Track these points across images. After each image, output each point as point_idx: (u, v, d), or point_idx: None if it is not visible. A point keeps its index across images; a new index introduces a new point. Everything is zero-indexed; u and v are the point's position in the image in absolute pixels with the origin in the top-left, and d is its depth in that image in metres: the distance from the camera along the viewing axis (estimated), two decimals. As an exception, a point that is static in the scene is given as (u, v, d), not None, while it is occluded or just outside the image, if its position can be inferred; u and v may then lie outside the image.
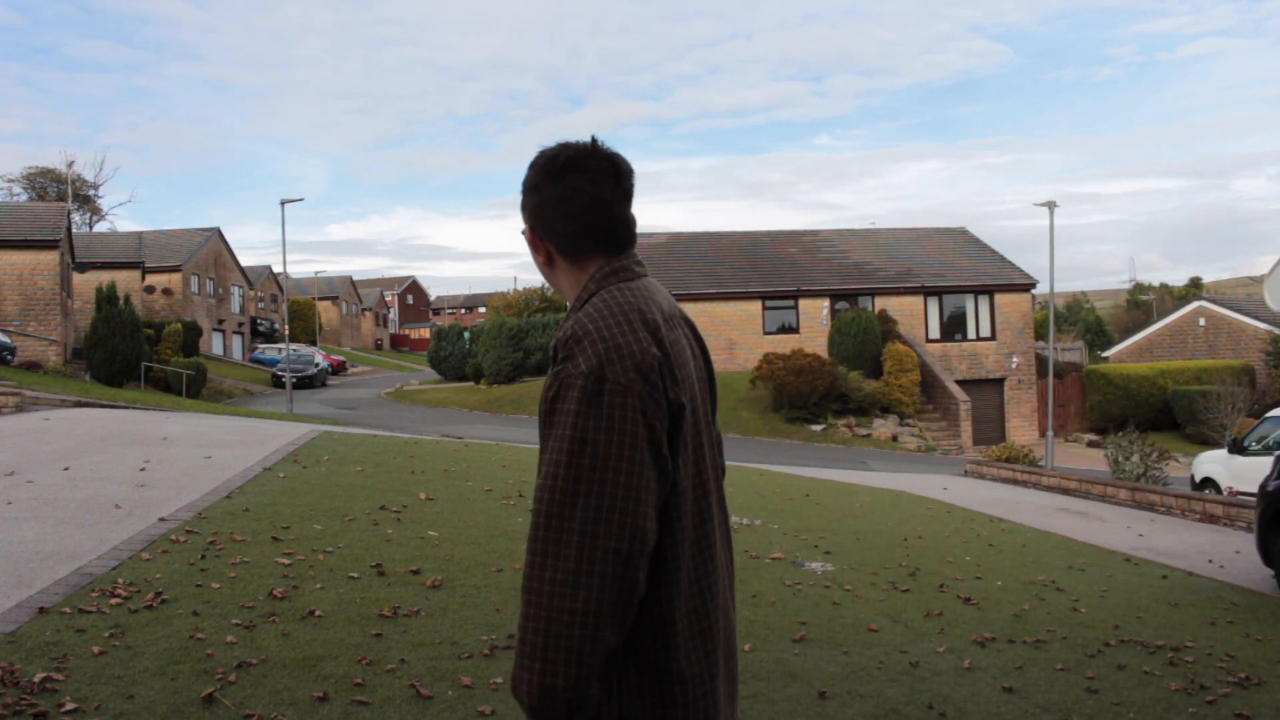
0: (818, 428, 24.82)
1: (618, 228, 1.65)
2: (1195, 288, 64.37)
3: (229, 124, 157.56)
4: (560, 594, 1.41)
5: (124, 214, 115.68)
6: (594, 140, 1.67)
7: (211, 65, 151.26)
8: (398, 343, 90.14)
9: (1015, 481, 15.82)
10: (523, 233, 1.71)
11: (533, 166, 1.67)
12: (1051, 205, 25.78)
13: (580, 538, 1.42)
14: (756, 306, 30.29)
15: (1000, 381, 30.88)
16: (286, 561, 5.32)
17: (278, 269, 63.68)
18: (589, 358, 1.47)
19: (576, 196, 1.61)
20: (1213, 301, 37.23)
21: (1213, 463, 14.40)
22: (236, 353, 48.74)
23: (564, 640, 1.40)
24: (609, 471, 1.43)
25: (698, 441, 1.61)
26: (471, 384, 35.78)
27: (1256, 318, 33.52)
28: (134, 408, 15.94)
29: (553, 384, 1.50)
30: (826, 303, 30.52)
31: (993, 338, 31.13)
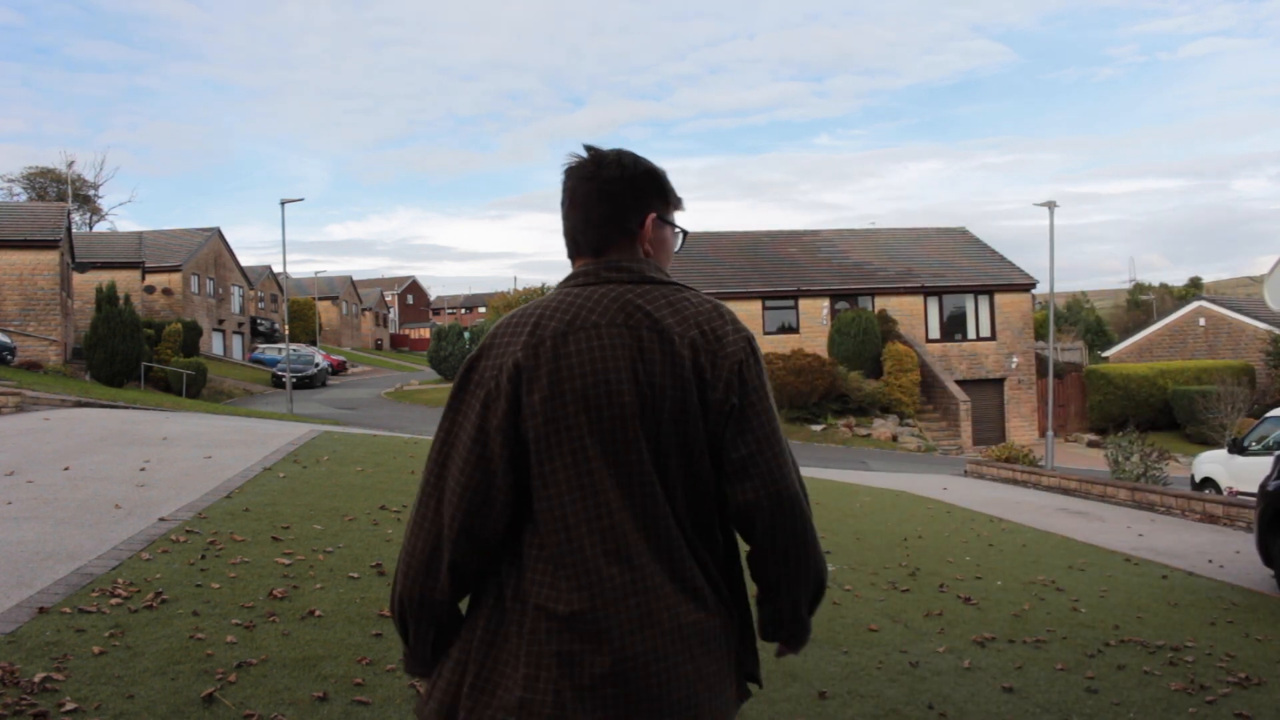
0: (818, 428, 24.82)
1: (588, 230, 1.73)
2: (1195, 288, 64.37)
3: (229, 124, 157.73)
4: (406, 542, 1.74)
5: (124, 214, 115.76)
6: (587, 148, 1.76)
7: (212, 65, 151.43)
8: (398, 343, 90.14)
9: (1015, 481, 15.82)
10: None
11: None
12: (1051, 205, 25.78)
13: (431, 491, 1.70)
14: (756, 306, 30.29)
15: (1000, 381, 30.88)
16: (286, 561, 5.33)
17: (278, 269, 63.72)
18: (475, 349, 1.71)
19: (564, 201, 1.77)
20: (1213, 301, 37.22)
21: (1213, 463, 14.40)
22: (236, 353, 48.74)
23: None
24: (439, 447, 1.67)
25: (581, 451, 1.57)
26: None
27: (1256, 318, 33.51)
28: (134, 408, 15.94)
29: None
30: (826, 303, 30.52)
31: (993, 338, 31.13)
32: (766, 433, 1.63)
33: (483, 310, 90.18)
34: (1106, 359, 38.61)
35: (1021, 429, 30.21)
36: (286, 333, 33.78)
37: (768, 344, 29.03)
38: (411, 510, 1.72)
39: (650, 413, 1.59)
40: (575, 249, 1.76)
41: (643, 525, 1.58)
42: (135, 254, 37.14)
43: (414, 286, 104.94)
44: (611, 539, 1.57)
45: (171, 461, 8.84)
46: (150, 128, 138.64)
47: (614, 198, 1.71)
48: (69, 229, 29.80)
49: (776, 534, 1.63)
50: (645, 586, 1.57)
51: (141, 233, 43.32)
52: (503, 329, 1.66)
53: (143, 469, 8.24)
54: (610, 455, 1.58)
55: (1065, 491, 14.42)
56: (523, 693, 1.56)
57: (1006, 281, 31.58)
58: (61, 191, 54.60)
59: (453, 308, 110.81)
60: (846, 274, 31.66)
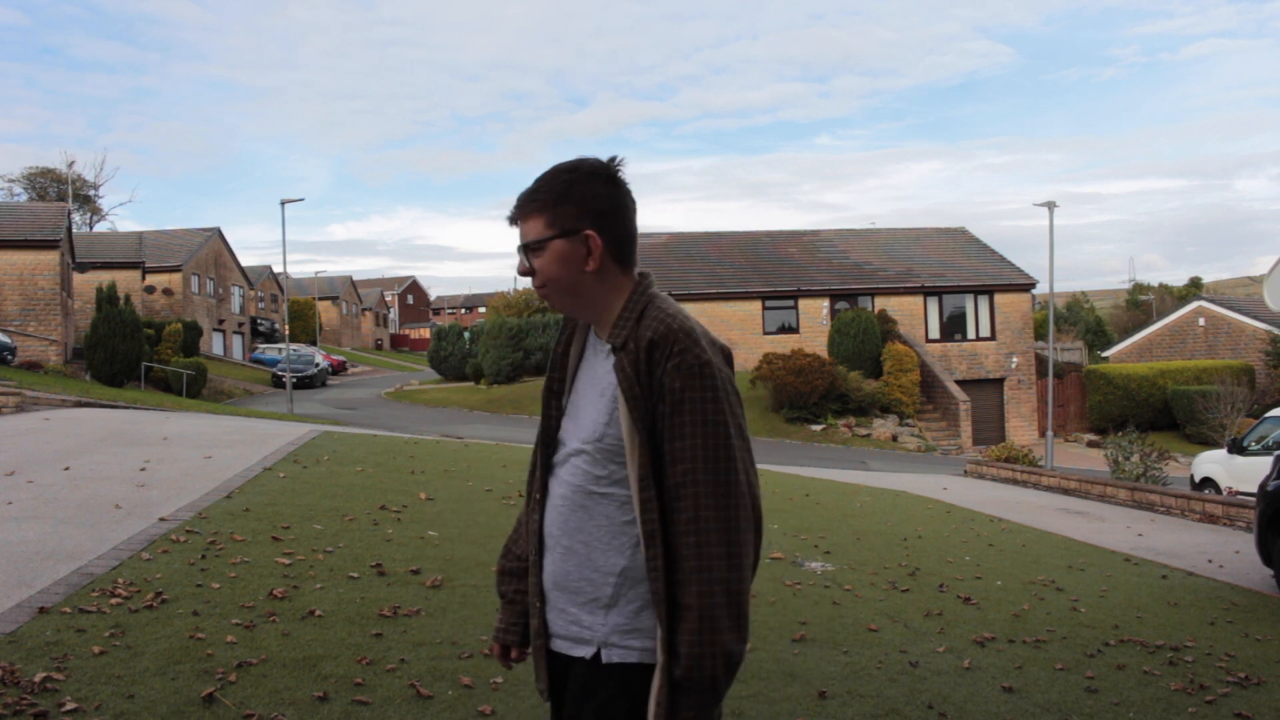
0: (818, 428, 24.82)
1: (632, 242, 1.83)
2: (1195, 288, 64.37)
3: (231, 124, 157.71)
4: (739, 565, 1.64)
5: (124, 214, 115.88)
6: (615, 160, 1.82)
7: (215, 65, 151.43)
8: (398, 343, 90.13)
9: (1015, 481, 15.82)
10: (568, 239, 1.73)
11: (593, 174, 1.74)
12: (1051, 205, 25.79)
13: (735, 506, 1.65)
14: (756, 306, 30.29)
15: (1000, 381, 30.88)
16: (286, 561, 5.33)
17: (278, 269, 63.72)
18: (705, 351, 1.71)
19: (630, 203, 1.79)
20: (1212, 301, 37.22)
21: (1212, 463, 14.40)
22: (236, 353, 48.74)
23: (744, 605, 1.63)
24: (739, 450, 1.70)
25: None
26: (471, 384, 35.77)
27: (1256, 318, 33.51)
28: (134, 408, 15.94)
29: (676, 376, 1.68)
30: (826, 303, 30.52)
31: (992, 338, 31.13)
32: None
33: (483, 310, 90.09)
34: (1106, 359, 38.60)
35: (1021, 429, 30.21)
36: (286, 333, 33.77)
37: (767, 344, 29.04)
38: (737, 509, 1.66)
39: None
40: (633, 254, 1.81)
41: None
42: (135, 254, 37.14)
43: (414, 286, 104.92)
44: None
45: (172, 461, 8.84)
46: (153, 128, 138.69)
47: None
48: (69, 229, 29.80)
49: None
50: None
51: (142, 233, 43.32)
52: (704, 333, 1.75)
53: (143, 469, 8.25)
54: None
55: (1065, 491, 14.42)
56: None
57: (1006, 281, 31.58)
58: (62, 191, 54.60)
59: (453, 308, 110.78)
60: (846, 274, 31.66)
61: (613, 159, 1.76)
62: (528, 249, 1.75)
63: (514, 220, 1.78)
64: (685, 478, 1.62)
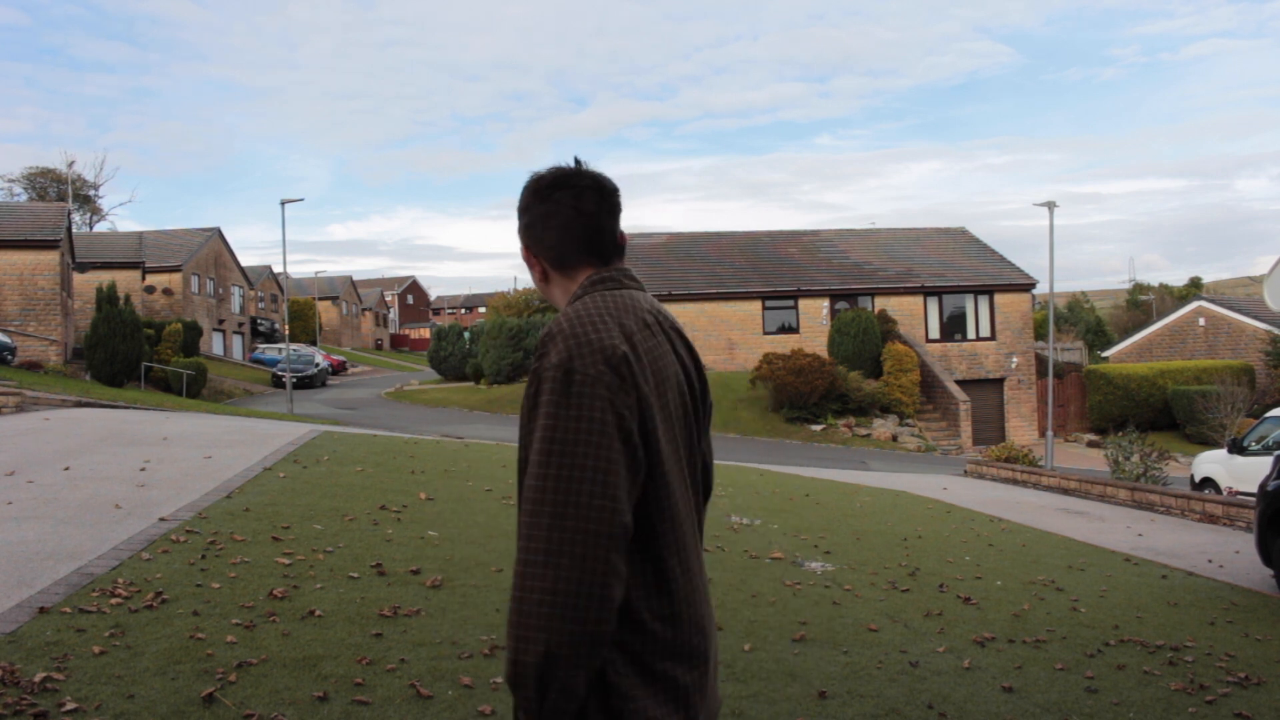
0: (818, 428, 24.82)
1: (600, 238, 1.76)
2: (1195, 288, 64.37)
3: (232, 124, 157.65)
4: (532, 574, 1.46)
5: (124, 214, 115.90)
6: (577, 161, 1.80)
7: (216, 65, 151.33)
8: (398, 343, 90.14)
9: (1015, 481, 15.82)
10: (521, 253, 1.83)
11: (524, 190, 1.80)
12: (1051, 205, 25.79)
13: (551, 520, 1.47)
14: (756, 306, 30.29)
15: (1000, 381, 30.88)
16: (286, 561, 5.33)
17: (278, 269, 63.72)
18: (559, 351, 1.56)
19: (561, 210, 1.74)
20: (1212, 301, 37.22)
21: (1212, 463, 14.40)
22: (236, 353, 48.74)
23: (533, 618, 1.44)
24: (577, 457, 1.49)
25: (675, 445, 1.64)
26: (471, 384, 35.77)
27: (1256, 318, 33.52)
28: (134, 408, 15.94)
29: (532, 381, 1.59)
30: (826, 303, 30.52)
31: (992, 338, 31.13)
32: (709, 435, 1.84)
33: (482, 310, 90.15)
34: (1106, 359, 38.61)
35: (1021, 429, 30.21)
36: (286, 333, 33.77)
37: (768, 344, 29.03)
38: (539, 540, 1.47)
39: (695, 410, 1.74)
40: (578, 256, 1.76)
41: (696, 509, 1.73)
42: (135, 254, 37.13)
43: (414, 286, 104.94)
44: (692, 520, 1.68)
45: (172, 461, 8.84)
46: (153, 128, 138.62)
47: (614, 210, 1.79)
48: (69, 229, 29.80)
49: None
50: (703, 583, 1.70)
51: (142, 233, 43.32)
52: (584, 327, 1.58)
53: (143, 469, 8.25)
54: (687, 447, 1.69)
55: (1065, 491, 14.42)
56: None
57: (1006, 281, 31.58)
58: (62, 191, 54.62)
59: (453, 308, 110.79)
60: (846, 274, 31.66)
61: (566, 165, 1.80)
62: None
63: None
64: (527, 483, 1.54)
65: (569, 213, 1.74)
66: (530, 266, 1.82)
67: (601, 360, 1.54)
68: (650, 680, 1.55)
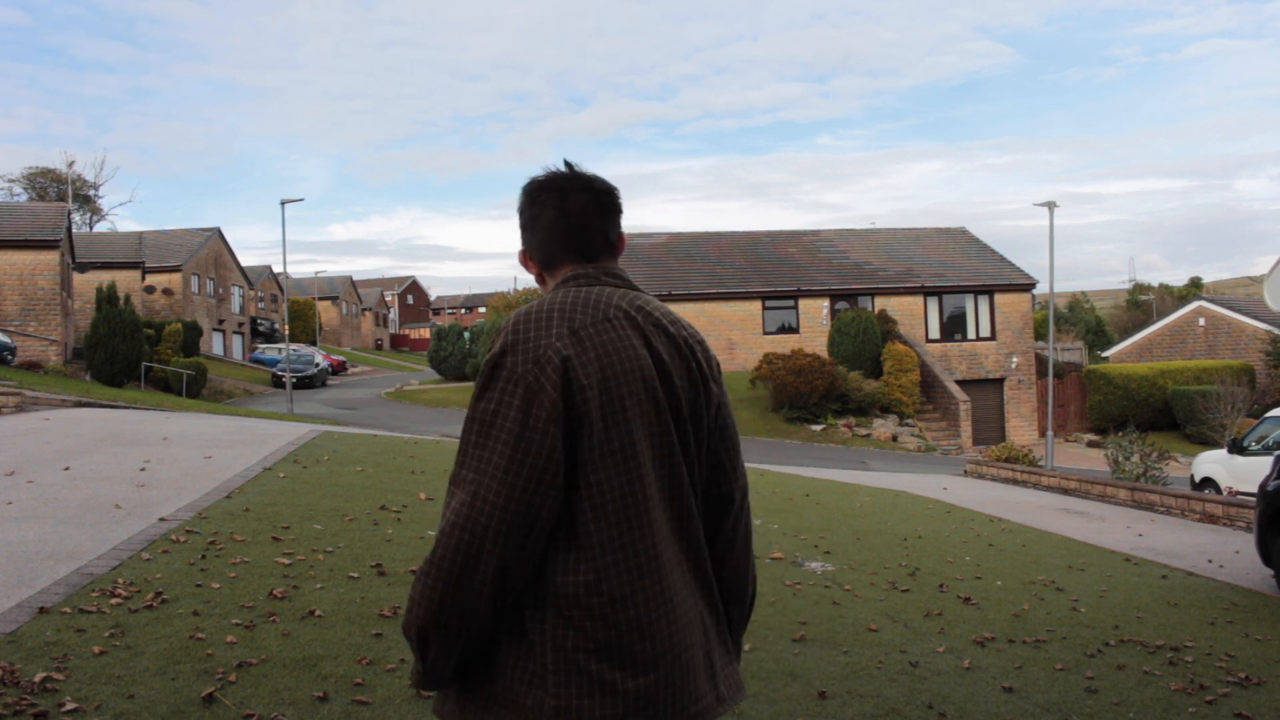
0: (818, 428, 24.82)
1: (586, 237, 1.78)
2: (1195, 288, 64.37)
3: (232, 124, 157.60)
4: (434, 547, 1.57)
5: (124, 214, 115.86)
6: (568, 164, 1.83)
7: (216, 65, 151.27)
8: (398, 343, 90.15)
9: (1015, 481, 15.82)
10: (519, 256, 1.89)
11: (520, 194, 1.84)
12: (1051, 205, 25.80)
13: (458, 502, 1.56)
14: (756, 306, 30.29)
15: (1000, 381, 30.89)
16: (286, 561, 5.33)
17: (278, 269, 63.72)
18: (499, 345, 1.63)
19: (545, 211, 1.79)
20: (1212, 301, 37.22)
21: (1212, 463, 14.40)
22: (236, 353, 48.74)
23: (419, 587, 1.58)
24: (485, 448, 1.56)
25: (631, 439, 1.61)
26: (471, 384, 35.72)
27: (1256, 318, 33.52)
28: (134, 408, 15.94)
29: (481, 370, 1.66)
30: (826, 303, 30.52)
31: (992, 338, 31.14)
32: (736, 431, 1.84)
33: (483, 310, 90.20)
34: (1106, 359, 38.61)
35: (1021, 429, 30.22)
36: (286, 333, 33.77)
37: (767, 344, 29.04)
38: (443, 518, 1.59)
39: (674, 406, 1.69)
40: (563, 254, 1.79)
41: (675, 515, 1.68)
42: (135, 254, 37.13)
43: (414, 286, 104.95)
44: (650, 526, 1.63)
45: (171, 461, 8.84)
46: (154, 128, 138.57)
47: (605, 210, 1.81)
48: (69, 229, 29.80)
49: (739, 525, 1.80)
50: (677, 579, 1.66)
51: (141, 233, 43.32)
52: (527, 323, 1.63)
53: (143, 469, 8.25)
54: (654, 445, 1.65)
55: (1065, 491, 14.43)
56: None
57: (1006, 281, 31.58)
58: (62, 191, 54.61)
59: (453, 308, 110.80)
60: (846, 274, 31.66)
61: (556, 166, 1.83)
62: None
63: None
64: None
65: (554, 213, 1.78)
66: (527, 268, 1.86)
67: (531, 359, 1.58)
68: (577, 676, 1.55)
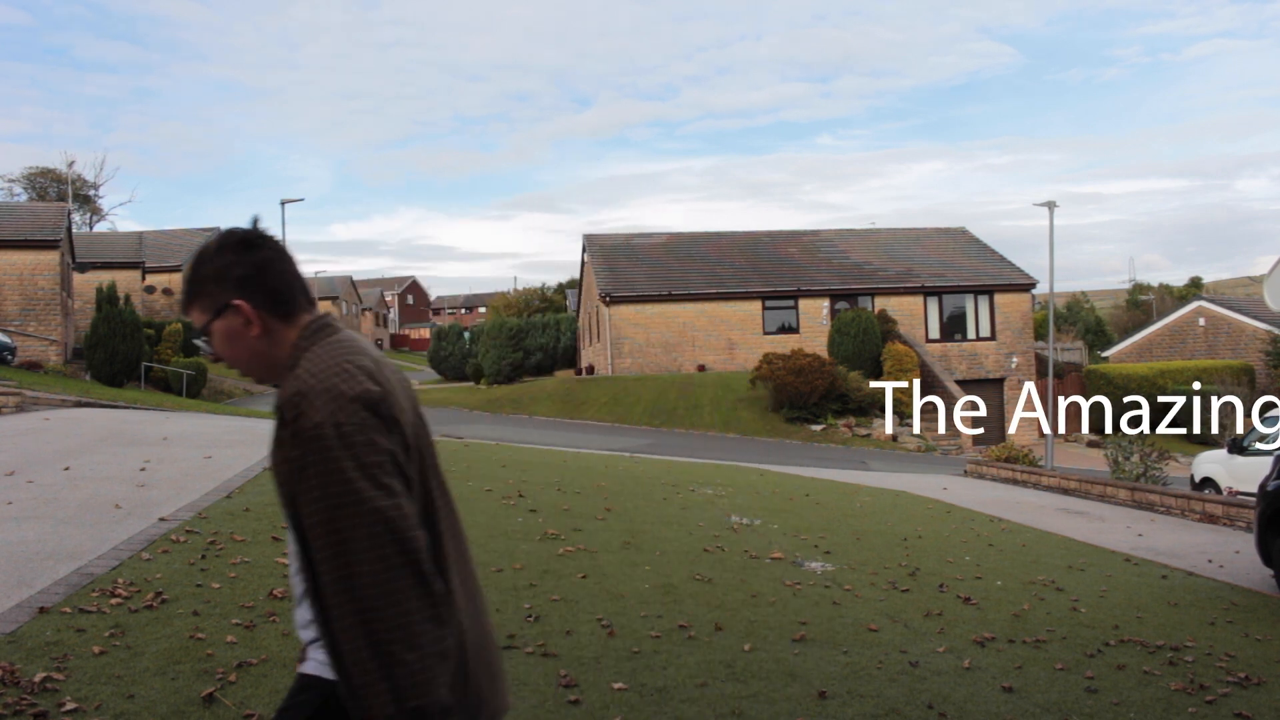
0: (818, 428, 24.82)
1: (299, 290, 1.83)
2: (1195, 288, 64.34)
3: (233, 124, 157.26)
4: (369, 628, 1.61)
5: (124, 214, 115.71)
6: (255, 220, 1.83)
7: (217, 66, 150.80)
8: (398, 343, 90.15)
9: (1015, 481, 15.82)
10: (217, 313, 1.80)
11: (220, 249, 1.79)
12: (1051, 205, 25.79)
13: (374, 564, 1.56)
14: (756, 306, 30.28)
15: (1000, 381, 30.89)
16: (286, 561, 5.32)
17: (278, 269, 63.54)
18: (318, 410, 1.59)
19: (271, 261, 1.80)
20: (1212, 301, 37.24)
21: (1213, 463, 14.40)
22: (236, 353, 48.67)
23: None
24: (365, 506, 1.55)
25: (434, 464, 1.78)
26: (471, 384, 35.79)
27: (1256, 318, 33.52)
28: (134, 408, 15.94)
29: (292, 445, 1.60)
30: (826, 303, 30.52)
31: (992, 338, 31.14)
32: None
33: (483, 310, 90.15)
34: (1106, 359, 38.62)
35: (1021, 429, 30.21)
36: (286, 333, 33.73)
37: (768, 344, 29.03)
38: (361, 580, 1.59)
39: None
40: (300, 304, 1.83)
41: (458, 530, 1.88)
42: (135, 254, 37.12)
43: (414, 286, 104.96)
44: (466, 557, 1.87)
45: (172, 461, 8.84)
46: (154, 128, 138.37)
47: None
48: (69, 229, 29.80)
49: None
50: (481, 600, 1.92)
51: (142, 233, 43.31)
52: (333, 377, 1.64)
53: (143, 469, 8.24)
54: (437, 468, 1.82)
55: (1065, 491, 14.43)
56: None
57: (1006, 281, 31.59)
58: (62, 191, 54.60)
59: (453, 308, 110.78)
60: (846, 274, 31.66)
61: (248, 224, 1.81)
62: (204, 338, 1.83)
63: (185, 312, 1.88)
64: (318, 556, 1.62)
65: (280, 259, 1.80)
66: (240, 325, 1.78)
67: (362, 407, 1.60)
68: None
